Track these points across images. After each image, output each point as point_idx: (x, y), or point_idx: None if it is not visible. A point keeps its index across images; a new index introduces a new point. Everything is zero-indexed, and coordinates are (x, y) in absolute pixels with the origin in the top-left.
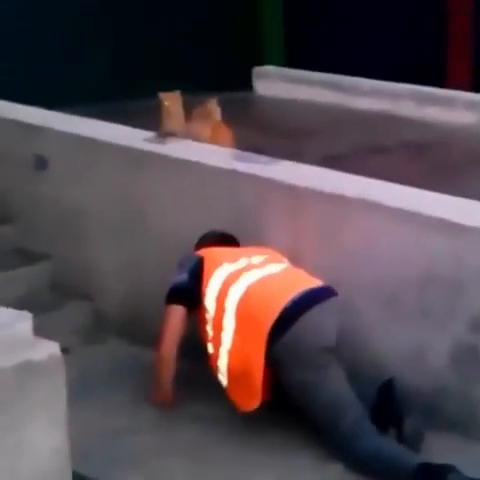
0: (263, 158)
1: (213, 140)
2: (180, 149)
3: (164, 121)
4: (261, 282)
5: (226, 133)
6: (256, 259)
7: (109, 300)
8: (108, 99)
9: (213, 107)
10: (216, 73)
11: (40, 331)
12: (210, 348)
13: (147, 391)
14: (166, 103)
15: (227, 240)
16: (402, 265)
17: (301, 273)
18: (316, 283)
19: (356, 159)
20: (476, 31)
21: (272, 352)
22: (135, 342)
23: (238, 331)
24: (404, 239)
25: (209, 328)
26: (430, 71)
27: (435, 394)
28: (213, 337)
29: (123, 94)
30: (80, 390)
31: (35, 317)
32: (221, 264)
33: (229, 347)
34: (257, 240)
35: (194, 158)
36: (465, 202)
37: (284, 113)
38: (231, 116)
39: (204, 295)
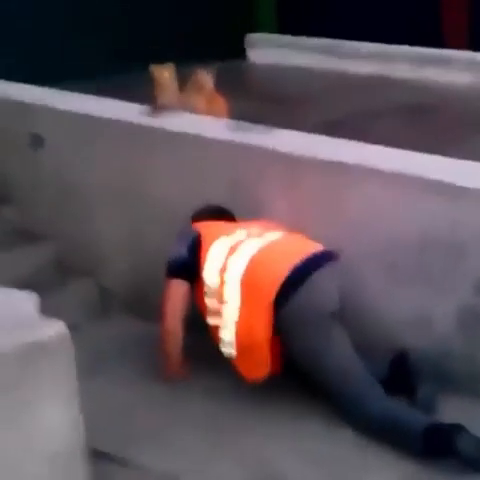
0: (259, 127)
1: (208, 111)
2: (176, 122)
3: (157, 94)
4: (262, 252)
5: (221, 103)
6: (253, 230)
7: (113, 276)
8: (99, 74)
9: (205, 77)
10: (208, 42)
11: (46, 310)
12: (211, 321)
13: (157, 366)
14: (158, 75)
15: (223, 215)
16: (402, 230)
17: (301, 238)
18: (316, 248)
19: (353, 124)
20: None
21: (278, 320)
22: (141, 317)
23: (244, 302)
24: (403, 203)
25: (209, 301)
26: (426, 31)
27: (441, 358)
28: (214, 310)
29: (114, 69)
30: (89, 367)
31: (40, 296)
32: (218, 238)
33: (236, 319)
34: (256, 211)
35: (190, 130)
36: (464, 164)
37: (278, 80)
38: (225, 85)
39: (202, 269)
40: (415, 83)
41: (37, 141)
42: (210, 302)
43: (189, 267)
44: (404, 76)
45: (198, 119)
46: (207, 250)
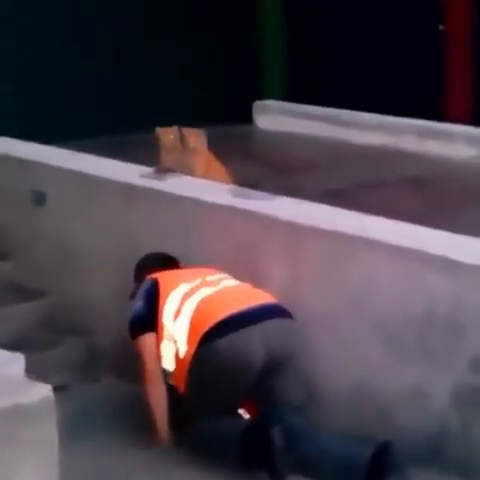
0: (261, 194)
1: (206, 174)
2: (177, 185)
3: (162, 157)
4: (211, 296)
5: (218, 166)
6: (211, 278)
7: (105, 336)
8: (105, 133)
9: (194, 137)
10: (216, 107)
11: (34, 369)
12: (166, 365)
13: (143, 431)
14: (163, 138)
15: (169, 262)
16: (402, 303)
17: (253, 289)
18: (268, 301)
19: (356, 194)
20: (474, 64)
21: (197, 356)
22: (131, 379)
23: (188, 343)
24: (404, 277)
25: (164, 344)
26: (429, 105)
27: (436, 435)
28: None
29: (120, 128)
30: (75, 429)
31: (29, 354)
32: (178, 284)
33: (181, 357)
34: (255, 277)
35: (191, 194)
36: (466, 239)
37: (284, 147)
38: (231, 150)
39: (162, 315)
40: (418, 155)
41: (39, 198)
42: (165, 346)
43: (149, 319)
44: (407, 148)
45: (200, 183)
46: (166, 296)
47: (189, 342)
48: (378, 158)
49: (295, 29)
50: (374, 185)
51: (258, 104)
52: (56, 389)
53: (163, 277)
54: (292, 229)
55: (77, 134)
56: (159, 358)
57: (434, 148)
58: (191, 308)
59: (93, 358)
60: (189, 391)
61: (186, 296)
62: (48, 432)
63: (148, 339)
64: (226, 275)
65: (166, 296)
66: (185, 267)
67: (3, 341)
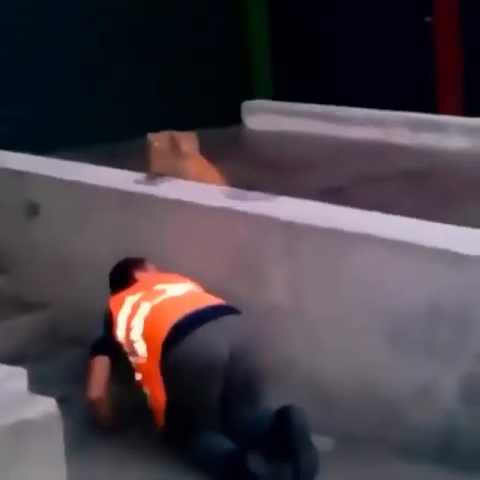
0: (258, 195)
1: (200, 177)
2: (172, 189)
3: (153, 162)
4: (154, 309)
5: (211, 169)
6: (157, 287)
7: None
8: (94, 142)
9: (184, 141)
10: (204, 109)
11: (37, 381)
12: (137, 376)
13: (148, 441)
14: (155, 144)
15: (134, 266)
16: (407, 299)
17: (201, 293)
18: (213, 301)
19: (352, 190)
20: (463, 54)
21: (163, 364)
22: (135, 388)
23: (149, 356)
24: (406, 272)
25: (132, 359)
26: (420, 98)
27: (445, 432)
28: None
29: (109, 136)
30: (80, 441)
31: (32, 366)
32: (124, 302)
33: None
34: (256, 278)
35: (187, 198)
36: (467, 231)
37: (276, 146)
38: (222, 151)
39: (117, 336)
40: (411, 149)
41: (33, 209)
42: (133, 360)
43: (107, 343)
44: (400, 142)
45: (195, 186)
46: (116, 318)
47: (150, 355)
48: (371, 153)
49: (281, 25)
50: (369, 180)
51: (246, 104)
52: (59, 401)
53: (113, 299)
54: (291, 228)
55: (64, 144)
56: (104, 379)
57: (428, 140)
58: (139, 330)
59: None
60: (169, 400)
61: (131, 314)
62: (54, 446)
63: (100, 360)
64: (183, 284)
65: (116, 318)
66: (148, 271)
67: (3, 355)
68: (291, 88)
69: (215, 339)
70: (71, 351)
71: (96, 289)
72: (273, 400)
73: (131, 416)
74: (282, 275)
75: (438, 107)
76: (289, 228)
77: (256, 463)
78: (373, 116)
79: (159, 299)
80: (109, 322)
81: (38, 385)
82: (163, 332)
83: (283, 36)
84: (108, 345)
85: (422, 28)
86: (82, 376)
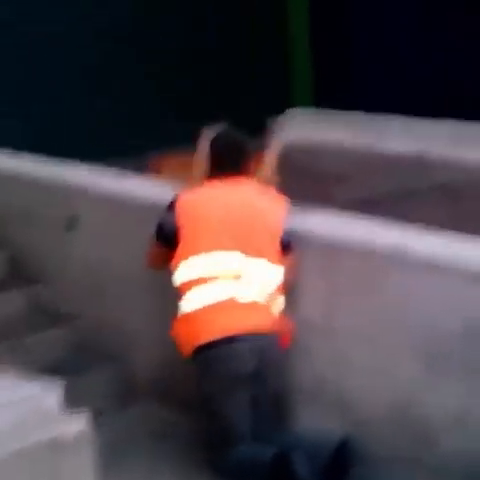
0: (293, 209)
1: None
2: None
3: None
4: (214, 306)
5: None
6: (235, 265)
7: (139, 361)
8: (129, 154)
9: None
10: (247, 117)
11: (69, 395)
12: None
13: (181, 456)
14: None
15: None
16: (442, 319)
17: (259, 311)
18: (258, 325)
19: (387, 205)
20: None
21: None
22: (167, 404)
23: None
24: (443, 292)
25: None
26: (468, 106)
27: (477, 457)
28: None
29: (144, 146)
30: (112, 457)
31: (64, 380)
32: (196, 254)
33: None
34: (292, 295)
35: None
36: None
37: (313, 157)
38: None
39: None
40: (453, 162)
41: (72, 222)
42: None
43: (167, 239)
44: (440, 154)
45: None
46: (182, 256)
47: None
48: (411, 166)
49: (323, 40)
50: (407, 194)
51: (287, 112)
52: (92, 415)
53: (187, 232)
54: (328, 244)
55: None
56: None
57: (472, 153)
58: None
59: (128, 383)
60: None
61: (200, 281)
62: (86, 464)
63: (157, 248)
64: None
65: (182, 256)
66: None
67: (36, 367)
68: (332, 96)
69: (243, 353)
70: (103, 364)
71: (130, 303)
72: (304, 420)
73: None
74: (316, 292)
75: None
76: (325, 243)
77: (301, 464)
78: (413, 127)
79: (228, 295)
80: (175, 238)
81: (70, 398)
82: (201, 338)
83: (325, 46)
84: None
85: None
86: (115, 391)
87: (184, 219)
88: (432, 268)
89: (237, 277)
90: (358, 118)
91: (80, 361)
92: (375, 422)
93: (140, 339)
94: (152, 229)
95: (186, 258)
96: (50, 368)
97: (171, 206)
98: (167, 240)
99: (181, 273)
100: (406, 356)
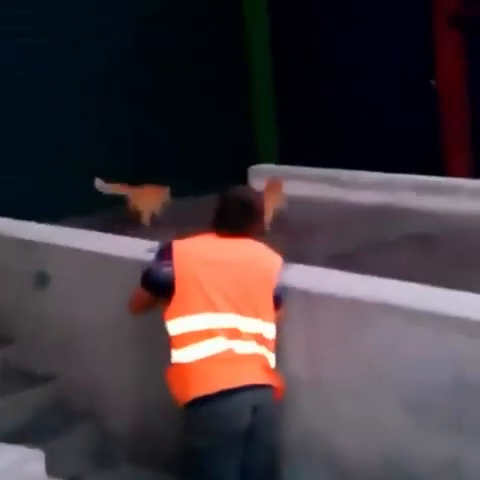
0: None
1: None
2: None
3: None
4: (215, 358)
5: None
6: (232, 323)
7: (119, 421)
8: (104, 208)
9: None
10: (211, 174)
11: (49, 458)
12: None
13: None
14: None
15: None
16: (427, 369)
17: (256, 363)
18: (253, 378)
19: (362, 256)
20: (472, 117)
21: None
22: (146, 465)
23: None
24: (427, 341)
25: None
26: (428, 161)
27: None
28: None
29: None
30: None
31: (43, 442)
32: (199, 312)
33: None
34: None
35: None
36: None
37: (282, 211)
38: None
39: (168, 319)
40: (418, 212)
41: (43, 279)
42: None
43: (157, 290)
44: (406, 205)
45: None
46: (179, 311)
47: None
48: (379, 217)
49: (287, 93)
50: (379, 246)
51: (253, 169)
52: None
53: (182, 289)
54: (308, 297)
55: (67, 212)
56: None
57: (437, 204)
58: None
59: (107, 444)
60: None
61: (207, 335)
62: None
63: (144, 295)
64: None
65: (181, 311)
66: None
67: (11, 430)
68: (297, 152)
69: (240, 408)
70: (80, 425)
71: (108, 361)
72: (291, 476)
73: None
74: (299, 345)
75: (446, 169)
76: (306, 297)
77: None
78: (379, 179)
79: (234, 349)
80: (170, 287)
81: (48, 462)
82: (196, 391)
83: (288, 99)
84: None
85: (427, 90)
86: (94, 452)
87: (181, 272)
88: (414, 318)
89: (234, 332)
90: (324, 172)
91: (56, 423)
92: (364, 474)
93: (120, 398)
94: (126, 284)
95: (182, 314)
96: (25, 431)
97: (164, 254)
98: (159, 289)
99: (177, 325)
100: (393, 408)
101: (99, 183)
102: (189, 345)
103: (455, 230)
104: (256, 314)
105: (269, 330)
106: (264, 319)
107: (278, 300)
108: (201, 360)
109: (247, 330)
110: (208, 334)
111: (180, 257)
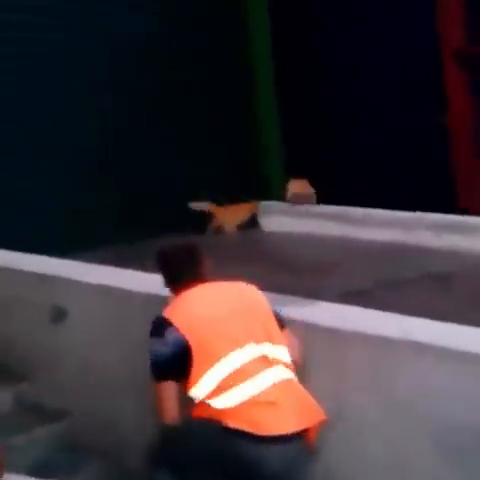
0: (296, 300)
1: None
2: None
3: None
4: (269, 401)
5: None
6: (257, 352)
7: (133, 458)
8: (119, 242)
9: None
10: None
11: None
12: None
13: None
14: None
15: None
16: (458, 409)
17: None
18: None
19: (380, 294)
20: None
21: None
22: None
23: None
24: (457, 380)
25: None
26: (442, 199)
27: None
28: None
29: (132, 235)
30: None
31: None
32: (218, 360)
33: None
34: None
35: None
36: None
37: (295, 249)
38: (243, 253)
39: (194, 383)
40: (431, 251)
41: (60, 314)
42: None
43: (174, 369)
44: (419, 243)
45: None
46: (202, 372)
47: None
48: (391, 255)
49: (294, 129)
50: (397, 284)
51: (263, 206)
52: None
53: (197, 344)
54: (334, 335)
55: (88, 246)
56: (176, 406)
57: (454, 242)
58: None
59: None
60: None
61: (233, 379)
62: None
63: (167, 389)
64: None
65: (201, 372)
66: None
67: (24, 467)
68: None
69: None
70: (95, 463)
71: (124, 398)
72: None
73: None
74: (327, 382)
75: (459, 206)
76: (332, 334)
77: None
78: (389, 217)
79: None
80: (185, 357)
81: None
82: (240, 424)
83: (296, 136)
84: (176, 371)
85: (438, 127)
86: None
87: (186, 327)
88: (443, 357)
89: (265, 360)
90: (334, 210)
91: (70, 460)
92: None
93: (136, 435)
94: (144, 319)
95: (205, 372)
96: (39, 469)
97: (160, 328)
98: (176, 363)
99: (203, 386)
100: (422, 448)
101: (195, 204)
102: (224, 392)
103: (472, 268)
104: (271, 339)
105: (286, 353)
106: (277, 342)
107: (279, 317)
108: (245, 403)
109: (272, 353)
110: (241, 373)
111: (177, 318)
